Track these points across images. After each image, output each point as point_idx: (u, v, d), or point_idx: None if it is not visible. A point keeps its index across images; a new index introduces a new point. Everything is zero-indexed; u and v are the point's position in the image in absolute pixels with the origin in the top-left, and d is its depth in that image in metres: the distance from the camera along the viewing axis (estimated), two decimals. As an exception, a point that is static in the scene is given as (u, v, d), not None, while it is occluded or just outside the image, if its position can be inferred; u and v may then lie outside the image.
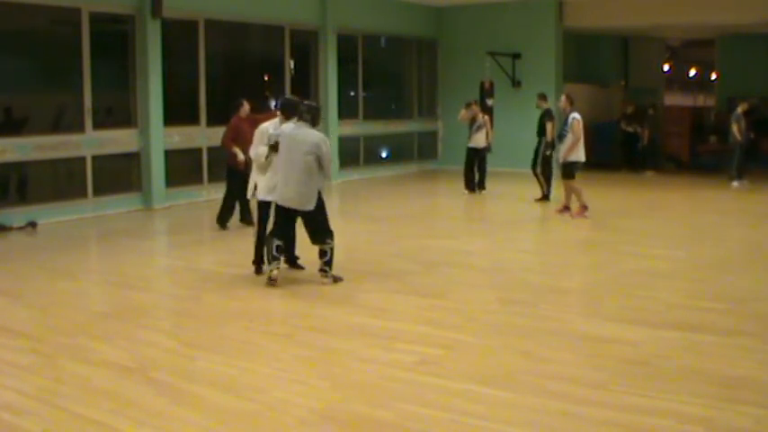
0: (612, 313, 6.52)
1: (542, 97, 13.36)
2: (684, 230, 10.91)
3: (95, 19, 11.87)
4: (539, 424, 4.32)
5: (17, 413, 4.51)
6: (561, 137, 11.55)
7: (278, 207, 7.45)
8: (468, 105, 14.52)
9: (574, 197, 11.52)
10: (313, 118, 7.39)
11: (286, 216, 7.46)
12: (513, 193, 14.90)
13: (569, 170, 11.49)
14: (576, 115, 11.39)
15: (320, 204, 7.42)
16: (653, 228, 11.09)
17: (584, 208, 11.47)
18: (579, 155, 11.41)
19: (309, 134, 7.29)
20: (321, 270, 7.51)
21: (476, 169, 14.52)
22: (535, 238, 10.64)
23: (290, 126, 7.40)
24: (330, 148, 7.49)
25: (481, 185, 14.60)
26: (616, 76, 21.55)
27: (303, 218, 7.45)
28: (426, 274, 8.15)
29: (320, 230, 7.45)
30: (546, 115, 13.10)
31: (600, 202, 13.53)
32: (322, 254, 7.47)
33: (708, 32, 21.16)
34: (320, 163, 7.29)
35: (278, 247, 7.35)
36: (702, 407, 4.47)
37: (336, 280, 7.54)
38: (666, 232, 10.77)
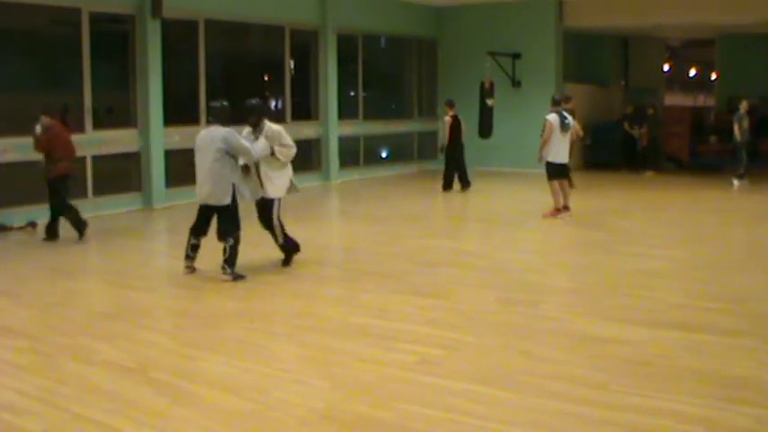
0: (612, 313, 6.52)
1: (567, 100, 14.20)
2: (684, 230, 10.91)
3: (95, 19, 11.87)
4: (539, 424, 4.32)
5: (17, 413, 4.51)
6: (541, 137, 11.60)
7: (199, 207, 7.87)
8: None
9: (560, 196, 11.50)
10: (215, 116, 7.80)
11: (203, 214, 7.87)
12: (513, 193, 14.92)
13: (547, 171, 11.52)
14: (549, 116, 11.40)
15: (233, 200, 7.72)
16: (653, 228, 11.09)
17: (556, 210, 11.48)
18: (554, 156, 11.39)
19: (217, 132, 7.63)
20: (222, 266, 7.70)
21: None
22: (535, 238, 10.63)
23: (205, 130, 7.84)
24: (238, 139, 7.66)
25: (464, 184, 14.65)
26: (616, 76, 21.55)
27: (216, 213, 7.79)
28: (426, 274, 8.15)
29: (225, 228, 7.72)
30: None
31: (600, 202, 13.53)
32: (223, 251, 7.70)
33: (708, 32, 21.16)
34: (232, 156, 7.62)
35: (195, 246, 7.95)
36: (702, 407, 4.47)
37: (237, 278, 7.67)
38: (666, 232, 10.77)
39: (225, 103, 7.90)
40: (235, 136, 7.64)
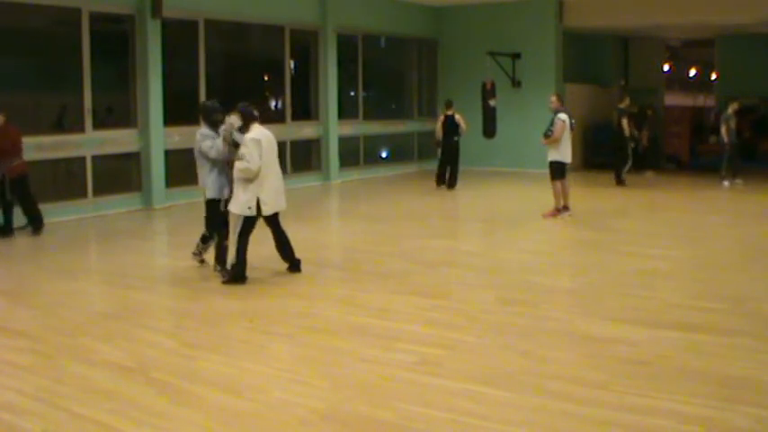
0: (612, 313, 6.52)
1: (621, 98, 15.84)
2: (684, 230, 10.91)
3: (95, 19, 11.88)
4: (539, 424, 4.32)
5: (17, 413, 4.51)
6: (546, 135, 11.48)
7: None
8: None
9: (561, 197, 11.48)
10: (203, 117, 7.88)
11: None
12: (513, 193, 14.91)
13: (551, 170, 11.46)
14: (561, 116, 11.33)
15: (213, 200, 7.75)
16: (653, 228, 11.08)
17: (555, 210, 11.47)
18: (561, 155, 11.36)
19: (198, 132, 7.76)
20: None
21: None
22: (535, 238, 10.63)
23: None
24: (204, 140, 7.59)
25: (449, 183, 14.93)
26: (616, 76, 21.54)
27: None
28: (426, 274, 8.15)
29: (207, 224, 7.97)
30: (622, 113, 15.45)
31: (600, 202, 13.54)
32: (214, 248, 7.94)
33: (708, 32, 21.14)
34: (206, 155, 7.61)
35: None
36: (702, 407, 4.47)
37: (228, 281, 7.48)
38: (666, 232, 10.77)
39: (206, 103, 8.11)
40: (201, 137, 7.64)
